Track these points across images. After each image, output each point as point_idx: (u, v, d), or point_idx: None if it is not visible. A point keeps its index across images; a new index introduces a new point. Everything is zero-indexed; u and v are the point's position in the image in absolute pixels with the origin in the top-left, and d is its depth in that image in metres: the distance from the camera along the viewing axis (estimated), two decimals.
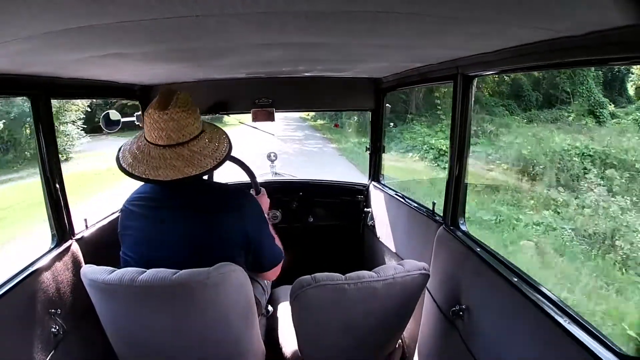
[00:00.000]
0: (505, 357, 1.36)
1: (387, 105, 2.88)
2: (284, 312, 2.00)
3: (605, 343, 1.05)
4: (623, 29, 0.93)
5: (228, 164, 1.94)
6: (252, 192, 2.21)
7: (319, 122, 21.61)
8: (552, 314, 1.19)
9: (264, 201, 2.15)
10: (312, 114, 21.67)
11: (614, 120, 12.56)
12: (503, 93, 14.94)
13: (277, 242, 1.78)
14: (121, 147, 1.56)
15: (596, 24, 0.98)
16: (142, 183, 1.56)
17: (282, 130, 17.10)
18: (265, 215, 1.99)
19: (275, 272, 1.76)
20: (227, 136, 1.59)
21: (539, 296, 1.28)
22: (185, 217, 1.50)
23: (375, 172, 3.01)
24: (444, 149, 12.22)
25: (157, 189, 1.54)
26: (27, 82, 1.54)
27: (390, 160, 11.16)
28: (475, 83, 1.76)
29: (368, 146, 3.03)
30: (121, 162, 1.50)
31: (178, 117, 1.44)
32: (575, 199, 8.71)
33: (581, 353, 1.06)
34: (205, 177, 1.66)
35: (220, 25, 1.08)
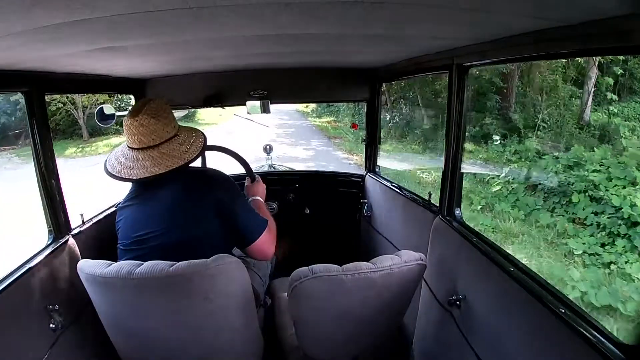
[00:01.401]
0: (501, 345, 1.37)
1: (381, 96, 2.88)
2: (282, 303, 2.02)
3: (601, 331, 1.06)
4: (619, 18, 0.93)
5: (222, 155, 1.95)
6: (248, 180, 2.21)
7: (325, 119, 16.84)
8: (549, 302, 1.20)
9: (260, 188, 2.14)
10: (311, 107, 19.02)
11: None
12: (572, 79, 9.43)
13: (268, 217, 1.83)
14: (111, 151, 1.73)
15: (592, 14, 0.98)
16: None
17: (273, 137, 11.58)
18: (263, 203, 2.02)
19: (264, 246, 1.73)
20: (203, 138, 1.74)
21: (535, 285, 1.29)
22: (163, 196, 1.63)
23: (371, 164, 3.02)
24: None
25: (141, 184, 1.67)
26: (20, 78, 1.53)
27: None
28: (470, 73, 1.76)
29: (364, 137, 3.03)
30: (107, 165, 1.67)
31: (147, 122, 1.60)
32: None
33: (577, 341, 1.07)
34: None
35: (214, 17, 1.07)
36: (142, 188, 1.68)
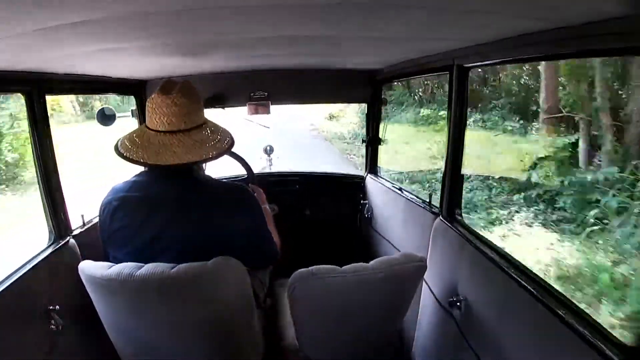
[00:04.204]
0: (501, 346, 1.37)
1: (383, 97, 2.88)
2: (283, 304, 2.01)
3: (602, 332, 1.06)
4: (620, 19, 0.93)
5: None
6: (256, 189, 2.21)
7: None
8: (549, 304, 1.20)
9: (263, 195, 2.14)
10: (346, 119, 12.13)
11: None
12: None
13: (274, 236, 1.74)
14: (120, 138, 1.52)
15: (592, 15, 0.98)
16: (125, 179, 1.53)
17: None
18: (270, 213, 1.99)
19: (268, 268, 1.80)
20: (229, 132, 1.56)
21: (536, 286, 1.29)
22: (182, 218, 1.45)
23: (371, 164, 3.02)
24: None
25: (150, 186, 1.48)
26: (20, 79, 1.53)
27: None
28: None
29: (364, 138, 3.04)
30: (120, 148, 1.46)
31: (181, 102, 1.42)
32: None
33: (577, 342, 1.07)
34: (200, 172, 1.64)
35: (215, 18, 1.07)
36: (152, 188, 1.47)
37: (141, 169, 1.55)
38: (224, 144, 1.49)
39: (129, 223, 1.47)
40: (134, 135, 1.48)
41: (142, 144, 1.44)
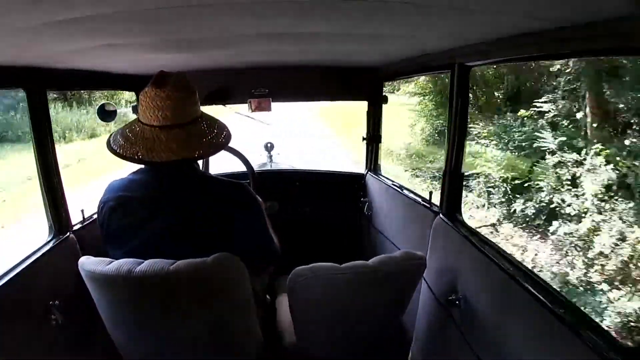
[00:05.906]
0: (500, 345, 1.37)
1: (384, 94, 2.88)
2: (282, 302, 2.02)
3: (600, 332, 1.06)
4: (620, 19, 0.93)
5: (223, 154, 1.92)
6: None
7: None
8: (548, 303, 1.20)
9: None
10: None
11: None
12: None
13: (275, 239, 1.71)
14: (112, 132, 1.50)
15: (594, 15, 0.98)
16: (124, 176, 1.51)
17: None
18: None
19: (262, 270, 1.77)
20: (226, 126, 1.53)
21: (535, 285, 1.29)
22: (181, 217, 1.43)
23: (372, 162, 3.02)
24: None
25: (147, 185, 1.45)
26: (21, 74, 1.53)
27: None
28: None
29: (364, 136, 3.03)
30: (112, 144, 1.42)
31: (176, 96, 1.38)
32: None
33: (576, 342, 1.07)
34: (200, 167, 1.63)
35: (216, 15, 1.07)
36: (150, 186, 1.44)
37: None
38: (221, 138, 1.46)
39: (127, 224, 1.46)
40: (127, 130, 1.44)
41: (136, 140, 1.39)
